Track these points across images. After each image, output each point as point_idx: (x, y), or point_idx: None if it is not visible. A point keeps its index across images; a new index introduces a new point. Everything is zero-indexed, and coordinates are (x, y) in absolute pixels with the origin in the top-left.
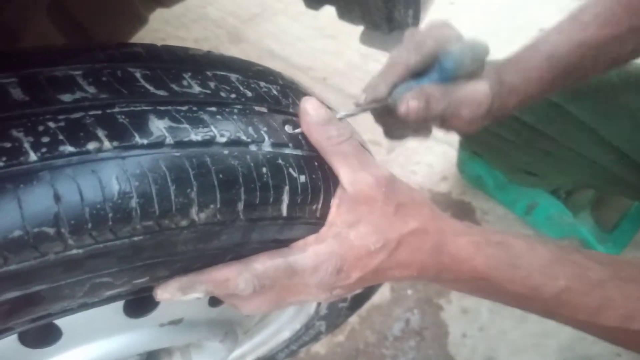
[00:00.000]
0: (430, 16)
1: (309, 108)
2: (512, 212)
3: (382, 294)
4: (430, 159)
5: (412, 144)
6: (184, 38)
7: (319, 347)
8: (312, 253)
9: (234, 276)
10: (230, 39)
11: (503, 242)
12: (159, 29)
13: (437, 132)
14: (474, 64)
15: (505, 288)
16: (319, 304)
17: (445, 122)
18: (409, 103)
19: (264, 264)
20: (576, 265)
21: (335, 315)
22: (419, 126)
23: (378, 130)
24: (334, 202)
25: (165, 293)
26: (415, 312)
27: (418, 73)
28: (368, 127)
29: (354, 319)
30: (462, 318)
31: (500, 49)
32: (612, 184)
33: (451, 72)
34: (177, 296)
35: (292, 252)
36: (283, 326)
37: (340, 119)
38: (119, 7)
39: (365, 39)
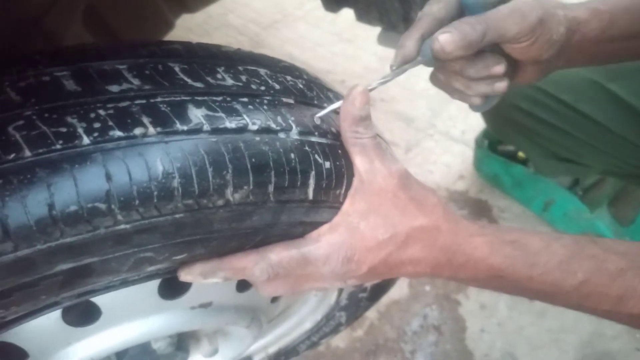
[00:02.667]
0: None
1: (358, 99)
2: (529, 210)
3: (401, 290)
4: (447, 159)
5: (429, 144)
6: None
7: (339, 341)
8: (324, 243)
9: (250, 265)
10: (251, 45)
11: (518, 241)
12: (183, 37)
13: (455, 132)
14: None
15: (524, 285)
16: (339, 295)
17: (499, 53)
18: (440, 37)
19: (279, 254)
20: (593, 258)
21: (355, 305)
22: (480, 74)
23: (395, 132)
24: (350, 192)
25: (188, 275)
26: (433, 307)
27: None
28: (386, 127)
29: (373, 314)
30: (480, 313)
31: None
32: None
33: (476, 4)
34: (198, 279)
35: (306, 243)
36: (305, 317)
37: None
38: (148, 13)
39: (382, 40)
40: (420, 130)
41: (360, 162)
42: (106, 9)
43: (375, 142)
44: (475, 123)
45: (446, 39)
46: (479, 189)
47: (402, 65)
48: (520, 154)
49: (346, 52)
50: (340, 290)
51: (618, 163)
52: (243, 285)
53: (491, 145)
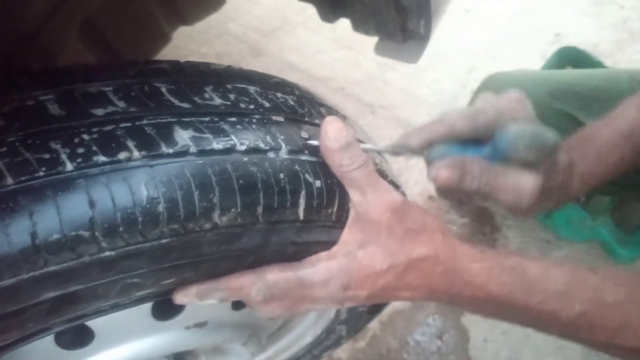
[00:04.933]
0: (446, 24)
1: (330, 131)
2: (532, 217)
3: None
4: None
5: None
6: (206, 54)
7: (341, 353)
8: (322, 268)
9: (247, 285)
10: (251, 53)
11: (517, 267)
12: (183, 46)
13: None
14: (531, 153)
15: (520, 313)
16: (339, 309)
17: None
18: (440, 171)
19: (275, 275)
20: (592, 289)
21: (355, 319)
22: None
23: (396, 138)
24: (348, 222)
25: (184, 297)
26: (436, 317)
27: (474, 140)
28: (387, 133)
29: (375, 325)
30: (483, 323)
31: (516, 54)
32: (635, 190)
33: (501, 153)
34: (194, 301)
35: (303, 266)
36: (305, 331)
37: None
38: (145, 26)
39: (380, 50)
40: None
41: (352, 195)
42: (103, 23)
43: (367, 171)
44: None
45: (443, 176)
46: None
47: (398, 149)
48: None
49: (347, 59)
50: None
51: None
52: (239, 304)
53: None
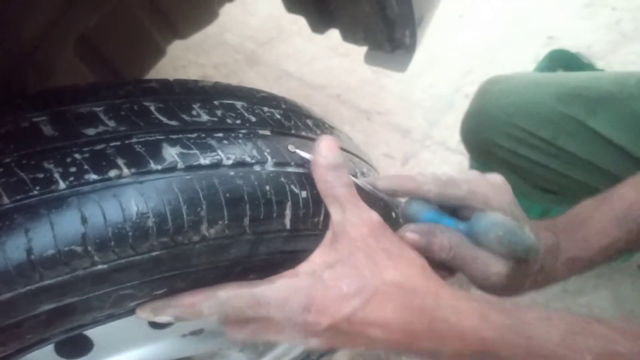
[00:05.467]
0: (440, 29)
1: (323, 148)
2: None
3: None
4: (445, 169)
5: (426, 155)
6: (204, 64)
7: (341, 356)
8: (280, 285)
9: (199, 302)
10: (248, 62)
11: (514, 311)
12: (181, 57)
13: (451, 142)
14: (502, 248)
15: None
16: None
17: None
18: (408, 233)
19: (227, 292)
20: (600, 338)
21: None
22: None
23: (392, 144)
24: (321, 243)
25: (142, 313)
26: None
27: (450, 209)
28: (383, 139)
29: None
30: None
31: (510, 58)
32: None
33: (474, 236)
34: (150, 317)
35: (260, 284)
36: None
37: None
38: (141, 41)
39: (369, 59)
40: (417, 141)
41: (332, 213)
42: (98, 39)
43: (349, 190)
44: None
45: (411, 239)
46: None
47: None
48: None
49: (342, 66)
50: None
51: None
52: None
53: None
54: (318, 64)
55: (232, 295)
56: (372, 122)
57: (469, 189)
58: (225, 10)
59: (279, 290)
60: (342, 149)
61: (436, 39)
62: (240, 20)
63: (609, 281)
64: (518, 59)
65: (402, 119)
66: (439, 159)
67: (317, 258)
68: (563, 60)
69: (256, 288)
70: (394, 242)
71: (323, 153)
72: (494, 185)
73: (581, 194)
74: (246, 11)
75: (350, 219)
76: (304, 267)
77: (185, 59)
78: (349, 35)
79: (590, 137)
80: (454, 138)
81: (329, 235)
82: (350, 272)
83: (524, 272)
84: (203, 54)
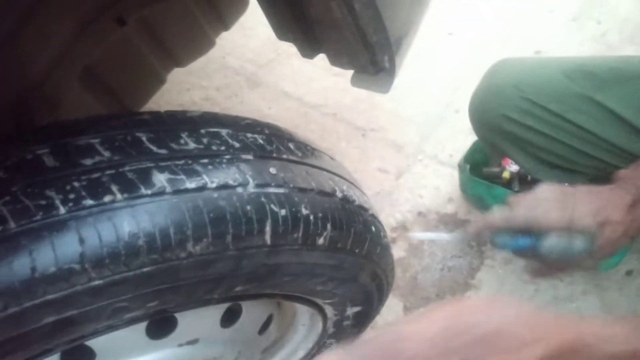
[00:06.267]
0: (430, 47)
1: None
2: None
3: (396, 313)
4: (437, 182)
5: (418, 169)
6: (206, 87)
7: None
8: None
9: None
10: (248, 84)
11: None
12: (184, 80)
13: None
14: (560, 263)
15: None
16: (325, 323)
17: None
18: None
19: None
20: None
21: (342, 333)
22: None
23: (386, 159)
24: None
25: None
26: None
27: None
28: (377, 154)
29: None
30: None
31: None
32: None
33: (541, 255)
34: None
35: None
36: (297, 345)
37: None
38: (142, 71)
39: (355, 81)
40: (410, 155)
41: None
42: (102, 70)
43: None
44: (463, 146)
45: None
46: (467, 210)
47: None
48: (505, 175)
49: (337, 86)
50: (326, 319)
51: (609, 169)
52: (227, 321)
53: (475, 168)
54: (315, 84)
55: None
56: (367, 138)
57: (525, 216)
58: (226, 35)
59: None
60: (323, 169)
61: (426, 57)
62: (240, 44)
63: (597, 287)
64: None
65: (396, 135)
66: (431, 171)
67: None
68: None
69: None
70: None
71: None
72: (545, 200)
73: (589, 169)
74: (246, 35)
75: None
76: None
77: (189, 83)
78: (336, 60)
79: (599, 111)
80: (445, 152)
81: None
82: None
83: (610, 241)
84: (206, 77)
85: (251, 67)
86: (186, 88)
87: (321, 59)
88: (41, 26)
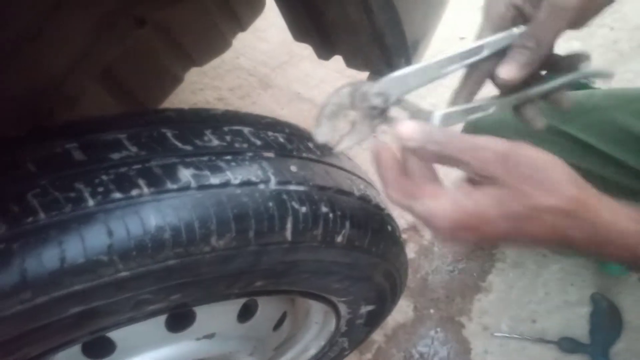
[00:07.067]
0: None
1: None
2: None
3: (406, 314)
4: (446, 181)
5: None
6: (219, 87)
7: None
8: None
9: None
10: (261, 85)
11: None
12: (198, 81)
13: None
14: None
15: None
16: (338, 322)
17: None
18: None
19: None
20: None
21: (354, 331)
22: None
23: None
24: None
25: None
26: (438, 330)
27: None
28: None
29: (380, 338)
30: (482, 334)
31: None
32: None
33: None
34: None
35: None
36: (309, 343)
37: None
38: (160, 71)
39: None
40: None
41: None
42: (121, 69)
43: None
44: None
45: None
46: None
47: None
48: None
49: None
50: (339, 317)
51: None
52: (244, 317)
53: None
54: (326, 87)
55: None
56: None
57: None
58: (240, 37)
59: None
60: (341, 168)
61: None
62: (254, 46)
63: (608, 292)
64: None
65: None
66: (441, 171)
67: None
68: None
69: None
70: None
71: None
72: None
73: None
74: (259, 37)
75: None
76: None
77: (202, 83)
78: (351, 61)
79: (570, 142)
80: None
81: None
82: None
83: None
84: (219, 78)
85: (264, 69)
86: (199, 88)
87: (334, 61)
88: (63, 25)
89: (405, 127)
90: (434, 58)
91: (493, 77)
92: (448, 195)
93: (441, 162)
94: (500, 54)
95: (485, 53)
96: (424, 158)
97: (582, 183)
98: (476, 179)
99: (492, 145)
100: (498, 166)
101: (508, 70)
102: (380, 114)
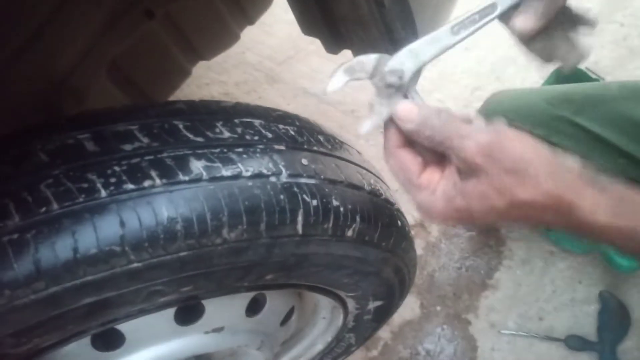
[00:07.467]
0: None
1: (400, 114)
2: (536, 229)
3: (413, 311)
4: None
5: None
6: (225, 82)
7: None
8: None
9: None
10: (267, 80)
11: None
12: (203, 75)
13: None
14: None
15: None
16: (345, 317)
17: None
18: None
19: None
20: None
21: (361, 327)
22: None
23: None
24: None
25: None
26: (445, 327)
27: None
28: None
29: (386, 334)
30: (490, 332)
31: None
32: None
33: None
34: None
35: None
36: (316, 339)
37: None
38: (167, 64)
39: None
40: None
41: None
42: (128, 64)
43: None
44: None
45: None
46: None
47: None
48: None
49: (355, 83)
50: (347, 313)
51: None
52: (252, 311)
53: None
54: None
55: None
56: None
57: None
58: (246, 32)
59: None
60: (351, 162)
61: (445, 57)
62: (260, 41)
63: (616, 290)
64: (525, 75)
65: None
66: None
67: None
68: (570, 76)
69: None
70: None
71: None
72: None
73: None
74: (265, 32)
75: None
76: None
77: (208, 77)
78: (360, 55)
79: (581, 134)
80: None
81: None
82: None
83: None
84: (225, 73)
85: (270, 64)
86: (205, 83)
87: (340, 56)
88: (72, 18)
89: (402, 108)
90: (446, 24)
91: (511, 30)
92: (442, 190)
93: (434, 146)
94: (514, 8)
95: (499, 10)
96: (419, 140)
97: (562, 177)
98: (460, 167)
99: (476, 135)
100: (482, 158)
101: (525, 20)
102: (397, 92)
